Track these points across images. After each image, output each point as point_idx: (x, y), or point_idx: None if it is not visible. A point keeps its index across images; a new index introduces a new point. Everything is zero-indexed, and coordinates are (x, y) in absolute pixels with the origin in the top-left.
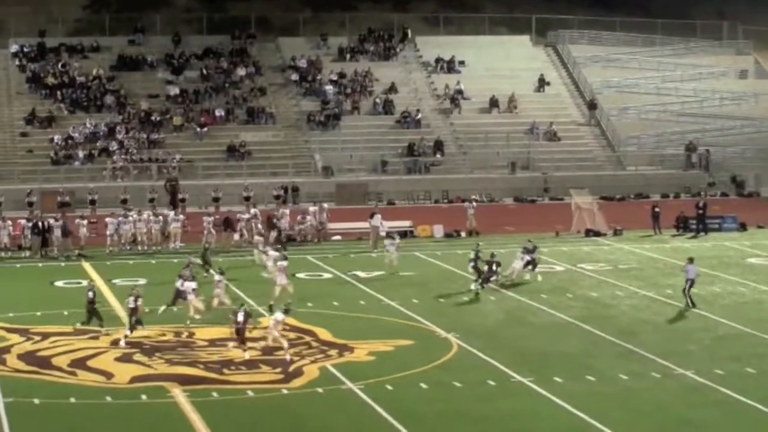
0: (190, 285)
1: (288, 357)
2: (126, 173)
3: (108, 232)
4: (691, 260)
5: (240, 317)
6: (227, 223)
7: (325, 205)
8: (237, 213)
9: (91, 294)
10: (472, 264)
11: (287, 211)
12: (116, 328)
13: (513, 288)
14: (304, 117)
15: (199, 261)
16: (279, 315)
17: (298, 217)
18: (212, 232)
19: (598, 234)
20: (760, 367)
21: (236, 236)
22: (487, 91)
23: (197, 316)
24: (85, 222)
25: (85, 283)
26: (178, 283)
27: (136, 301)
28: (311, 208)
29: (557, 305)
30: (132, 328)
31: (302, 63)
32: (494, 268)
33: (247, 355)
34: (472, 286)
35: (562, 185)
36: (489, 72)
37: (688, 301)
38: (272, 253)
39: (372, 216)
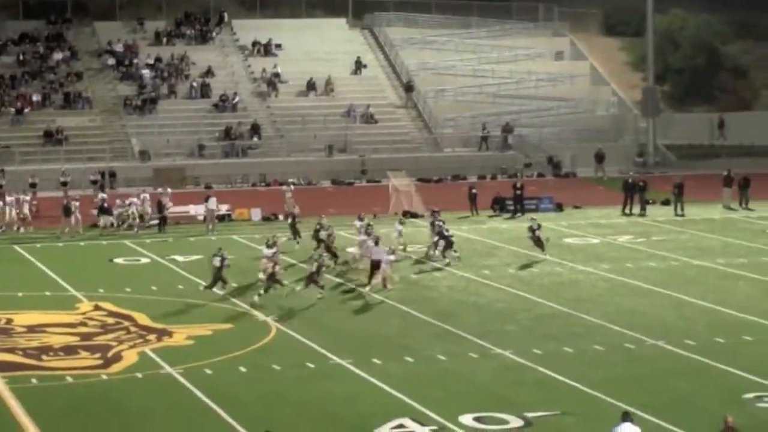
0: (389, 257)
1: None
2: None
3: None
4: (377, 242)
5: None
6: (66, 209)
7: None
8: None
9: (218, 261)
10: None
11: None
12: None
13: (335, 271)
14: (120, 101)
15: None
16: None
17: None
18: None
19: (415, 216)
20: (577, 346)
21: (72, 221)
22: (304, 74)
23: (390, 286)
24: None
25: None
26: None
27: (273, 267)
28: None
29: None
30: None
31: (119, 47)
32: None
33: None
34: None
35: (380, 167)
36: (306, 55)
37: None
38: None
39: (207, 199)
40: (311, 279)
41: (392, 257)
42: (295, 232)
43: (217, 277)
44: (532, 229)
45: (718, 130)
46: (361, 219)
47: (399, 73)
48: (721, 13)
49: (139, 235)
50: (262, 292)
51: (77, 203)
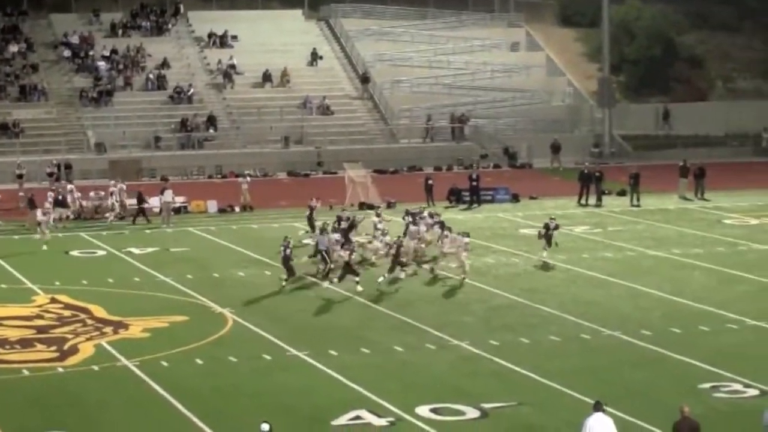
0: (464, 239)
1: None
2: None
3: None
4: (322, 231)
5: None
6: (31, 202)
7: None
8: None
9: (288, 251)
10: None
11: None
12: None
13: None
14: (76, 93)
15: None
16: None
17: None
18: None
19: (371, 207)
20: (533, 336)
21: (39, 213)
22: (260, 66)
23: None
24: None
25: None
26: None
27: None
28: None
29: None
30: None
31: (74, 39)
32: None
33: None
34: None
35: (336, 159)
36: (262, 47)
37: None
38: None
39: (163, 191)
40: (395, 262)
41: (466, 240)
42: (312, 227)
43: (289, 267)
44: (547, 227)
45: (663, 120)
46: (378, 216)
47: (355, 64)
48: (676, 3)
49: (112, 226)
50: (358, 279)
51: (52, 194)
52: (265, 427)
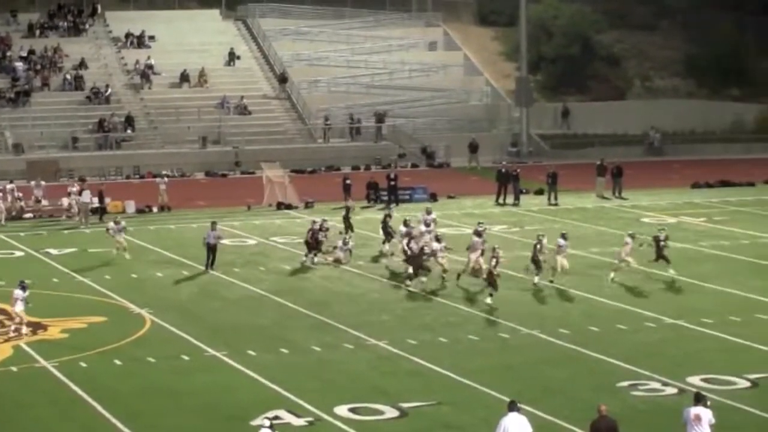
0: (565, 242)
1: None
2: None
3: None
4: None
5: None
6: None
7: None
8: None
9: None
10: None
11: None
12: None
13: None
14: None
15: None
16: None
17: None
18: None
19: (289, 207)
20: (452, 335)
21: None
22: (178, 66)
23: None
24: None
25: None
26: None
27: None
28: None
29: (250, 278)
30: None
31: None
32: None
33: None
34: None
35: (254, 159)
36: (179, 47)
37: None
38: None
39: (80, 192)
40: (540, 262)
41: (564, 242)
42: (348, 226)
43: (418, 265)
44: (657, 240)
45: (562, 118)
46: (429, 212)
47: (273, 64)
48: (594, 2)
49: (7, 229)
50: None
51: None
52: (266, 423)
